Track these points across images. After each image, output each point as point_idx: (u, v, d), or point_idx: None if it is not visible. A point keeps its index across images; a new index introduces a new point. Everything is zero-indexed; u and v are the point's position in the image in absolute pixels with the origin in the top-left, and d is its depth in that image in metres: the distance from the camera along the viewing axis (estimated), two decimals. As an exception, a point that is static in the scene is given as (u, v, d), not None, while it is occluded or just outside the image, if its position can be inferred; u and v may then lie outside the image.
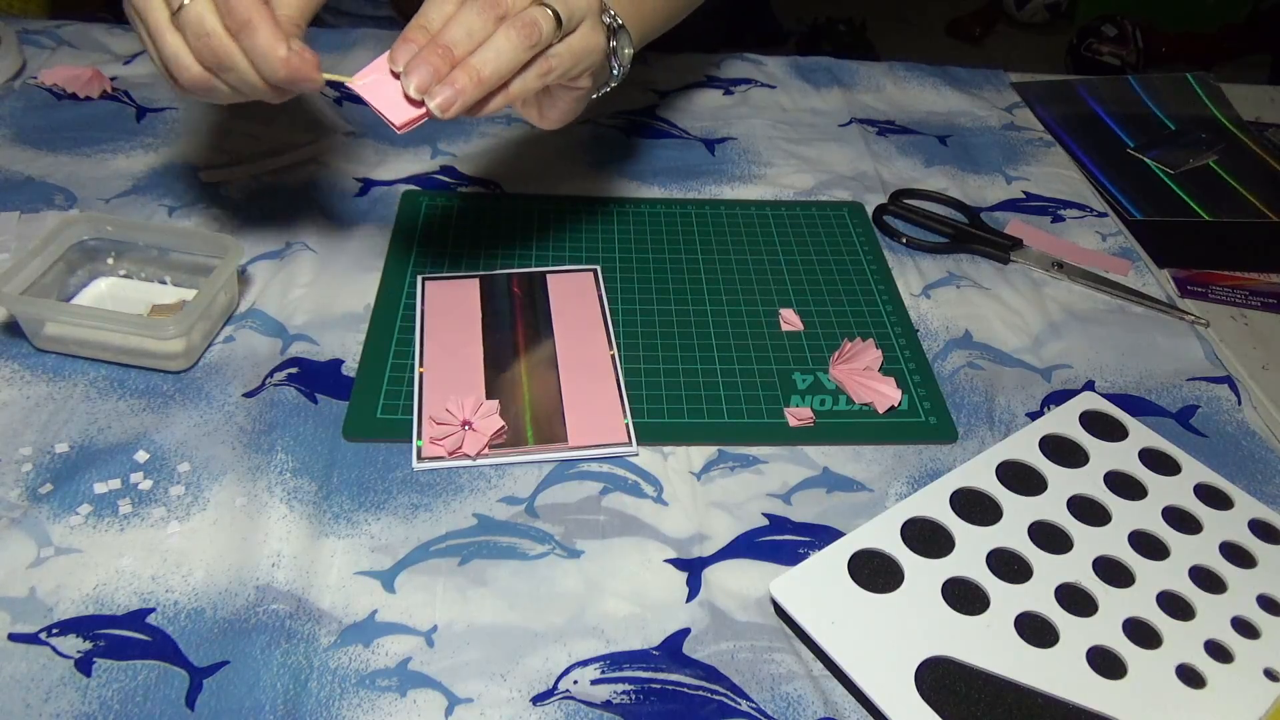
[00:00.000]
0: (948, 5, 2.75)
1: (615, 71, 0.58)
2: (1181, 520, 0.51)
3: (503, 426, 0.53)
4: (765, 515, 0.51)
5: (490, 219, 0.69)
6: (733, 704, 0.43)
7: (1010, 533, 0.50)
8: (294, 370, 0.57)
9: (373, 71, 0.48)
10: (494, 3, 0.47)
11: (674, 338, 0.61)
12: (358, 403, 0.55)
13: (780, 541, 0.50)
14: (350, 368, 0.57)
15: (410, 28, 0.48)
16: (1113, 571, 0.49)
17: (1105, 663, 0.45)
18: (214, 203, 0.68)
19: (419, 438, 0.53)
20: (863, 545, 0.49)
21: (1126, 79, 0.96)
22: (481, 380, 0.56)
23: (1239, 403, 0.60)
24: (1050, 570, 0.48)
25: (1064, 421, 0.56)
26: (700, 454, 0.54)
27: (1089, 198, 0.78)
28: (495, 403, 0.53)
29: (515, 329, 0.60)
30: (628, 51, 0.58)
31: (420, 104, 0.47)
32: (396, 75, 0.47)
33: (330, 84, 0.82)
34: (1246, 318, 0.68)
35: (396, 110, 0.48)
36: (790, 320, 0.62)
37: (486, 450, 0.52)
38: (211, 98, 0.50)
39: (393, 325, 0.60)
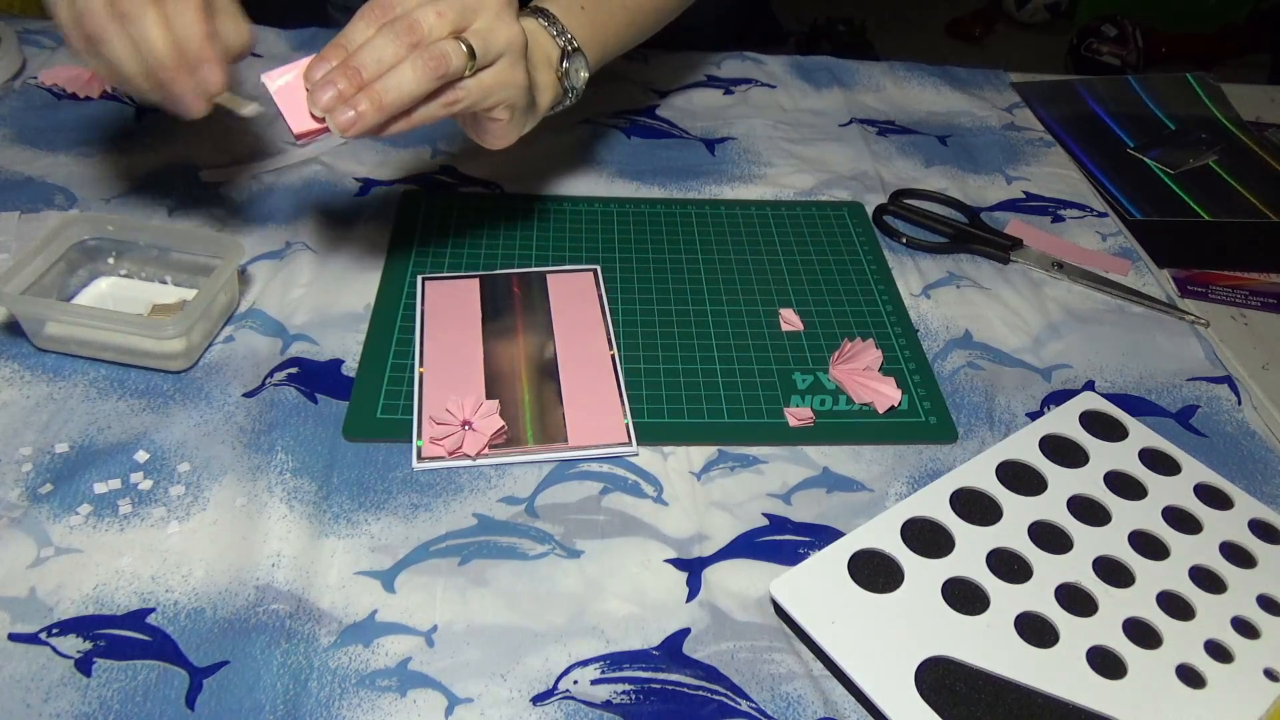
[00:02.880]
0: (948, 5, 2.75)
1: (570, 94, 0.60)
2: (1181, 520, 0.51)
3: (503, 426, 0.53)
4: (765, 515, 0.51)
5: (490, 219, 0.69)
6: (733, 704, 0.43)
7: (1010, 533, 0.50)
8: (294, 370, 0.57)
9: (291, 70, 0.49)
10: (409, 30, 0.48)
11: (674, 338, 0.61)
12: (358, 403, 0.55)
13: (780, 541, 0.50)
14: (350, 368, 0.57)
15: (330, 45, 0.49)
16: (1113, 571, 0.49)
17: (1105, 663, 0.45)
18: (214, 203, 0.68)
19: (419, 438, 0.53)
20: (863, 545, 0.49)
21: (1126, 79, 0.96)
22: (481, 380, 0.56)
23: (1239, 403, 0.60)
24: (1050, 570, 0.48)
25: (1064, 421, 0.56)
26: (700, 454, 0.54)
27: (1089, 198, 0.78)
28: (495, 403, 0.53)
29: (515, 329, 0.60)
30: (583, 74, 0.59)
31: (323, 120, 0.48)
32: None
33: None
34: (1246, 318, 0.68)
35: (301, 120, 0.49)
36: (790, 320, 0.62)
37: (486, 450, 0.52)
38: (98, 56, 0.50)
39: (393, 325, 0.60)
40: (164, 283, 0.61)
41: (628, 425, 0.54)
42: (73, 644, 0.43)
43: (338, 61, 0.48)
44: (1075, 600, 0.47)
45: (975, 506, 0.51)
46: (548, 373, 0.57)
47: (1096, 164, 0.83)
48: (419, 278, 0.64)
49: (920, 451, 0.55)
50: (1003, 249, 0.70)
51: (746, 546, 0.50)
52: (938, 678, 0.43)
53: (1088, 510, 0.52)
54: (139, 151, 0.73)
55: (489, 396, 0.55)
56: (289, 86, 0.49)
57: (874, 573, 0.48)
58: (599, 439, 0.53)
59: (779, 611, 0.47)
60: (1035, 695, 0.43)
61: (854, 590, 0.47)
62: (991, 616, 0.46)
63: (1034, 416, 0.58)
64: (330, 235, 0.67)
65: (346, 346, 0.59)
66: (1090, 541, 0.50)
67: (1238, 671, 0.45)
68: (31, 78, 0.79)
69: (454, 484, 0.51)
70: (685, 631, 0.46)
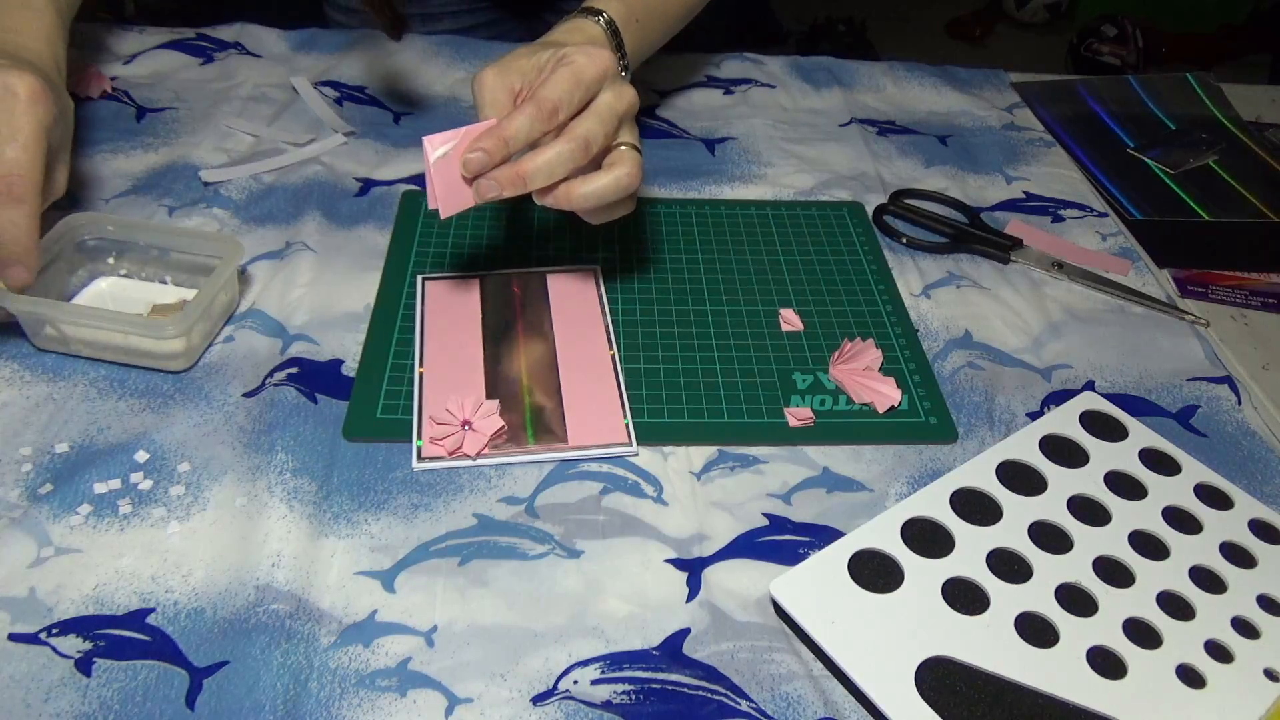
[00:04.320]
0: (948, 5, 2.75)
1: None
2: (1181, 520, 0.51)
3: (503, 426, 0.53)
4: (765, 515, 0.51)
5: (490, 219, 0.69)
6: (733, 704, 0.43)
7: (1010, 533, 0.50)
8: (294, 370, 0.57)
9: (451, 141, 0.50)
10: (585, 146, 0.50)
11: (674, 338, 0.61)
12: (358, 403, 0.55)
13: (780, 541, 0.50)
14: (350, 368, 0.57)
15: (489, 136, 0.50)
16: (1113, 571, 0.49)
17: (1105, 663, 0.45)
18: (214, 203, 0.68)
19: (419, 438, 0.53)
20: (863, 545, 0.49)
21: (1126, 79, 0.96)
22: (481, 380, 0.56)
23: (1239, 403, 0.60)
24: (1050, 570, 0.48)
25: (1064, 421, 0.56)
26: (700, 454, 0.54)
27: (1089, 198, 0.78)
28: (495, 403, 0.53)
29: (515, 329, 0.60)
30: None
31: (471, 197, 0.51)
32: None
33: (331, 85, 0.82)
34: (1246, 318, 0.68)
35: (450, 199, 0.51)
36: (790, 320, 0.62)
37: (486, 450, 0.52)
38: None
39: (393, 325, 0.60)
40: (164, 283, 0.61)
41: (628, 425, 0.54)
42: (73, 644, 0.43)
43: (497, 156, 0.49)
44: (1075, 600, 0.47)
45: (975, 506, 0.51)
46: (548, 373, 0.57)
47: (1096, 164, 0.83)
48: (419, 278, 0.64)
49: (920, 451, 0.55)
50: (1003, 249, 0.70)
51: (746, 546, 0.50)
52: (938, 678, 0.43)
53: (1088, 510, 0.52)
54: (139, 151, 0.73)
55: (489, 396, 0.55)
56: (447, 161, 0.50)
57: (874, 573, 0.48)
58: (599, 439, 0.53)
59: (779, 611, 0.47)
60: (1035, 695, 0.43)
61: (854, 590, 0.47)
62: (991, 616, 0.46)
63: (1034, 416, 0.58)
64: (330, 235, 0.67)
65: (346, 346, 0.59)
66: (1090, 541, 0.50)
67: (1238, 671, 0.45)
68: (31, 78, 0.79)
69: (454, 484, 0.51)
70: (685, 631, 0.46)
